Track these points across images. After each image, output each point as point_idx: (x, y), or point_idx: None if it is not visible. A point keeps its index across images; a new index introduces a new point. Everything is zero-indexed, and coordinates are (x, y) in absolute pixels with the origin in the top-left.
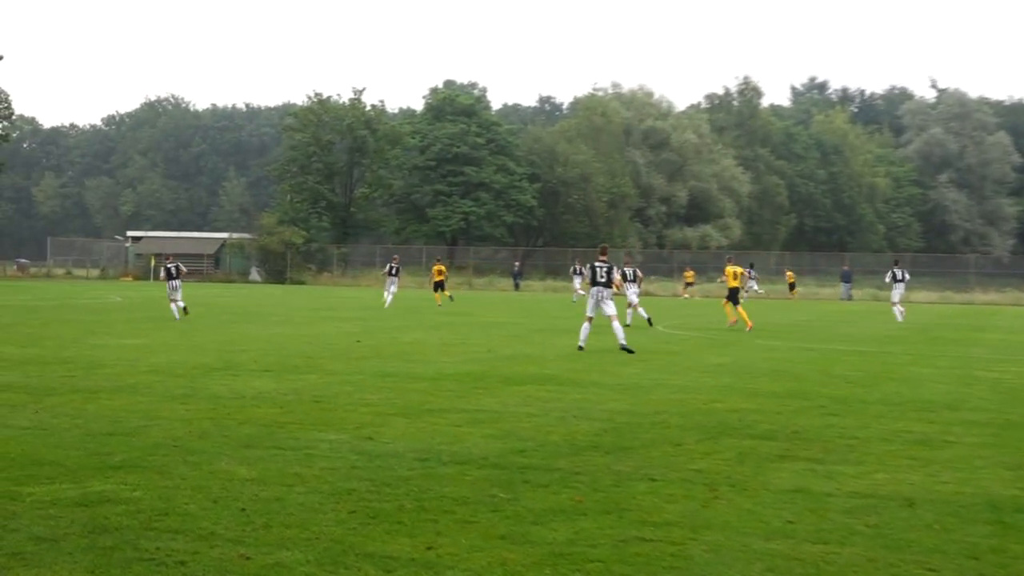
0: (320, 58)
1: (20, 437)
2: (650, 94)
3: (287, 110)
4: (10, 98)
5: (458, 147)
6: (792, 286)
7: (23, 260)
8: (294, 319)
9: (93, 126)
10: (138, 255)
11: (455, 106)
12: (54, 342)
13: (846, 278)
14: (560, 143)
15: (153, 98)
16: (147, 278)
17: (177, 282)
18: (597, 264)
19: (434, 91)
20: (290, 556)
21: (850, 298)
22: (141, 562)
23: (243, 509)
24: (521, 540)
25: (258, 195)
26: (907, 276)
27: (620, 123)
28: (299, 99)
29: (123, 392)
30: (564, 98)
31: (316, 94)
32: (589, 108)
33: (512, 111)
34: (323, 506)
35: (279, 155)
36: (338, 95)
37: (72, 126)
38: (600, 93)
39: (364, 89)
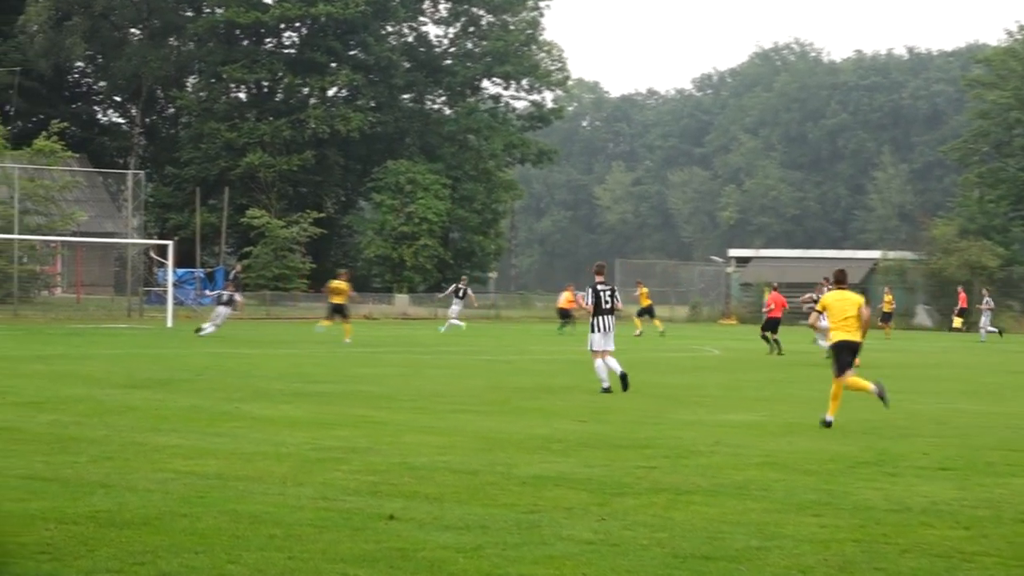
0: None
1: (581, 555)
2: None
3: (973, 55)
4: (565, 56)
5: None
6: (887, 316)
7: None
8: (989, 388)
9: (680, 92)
10: (744, 285)
11: None
12: (624, 415)
13: None
14: None
15: (768, 47)
16: (757, 321)
17: (463, 303)
18: (600, 287)
19: None
20: None
21: None
22: None
23: None
24: None
25: (927, 191)
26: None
27: None
28: (993, 38)
29: (725, 494)
30: None
31: (1021, 28)
32: None
33: None
34: None
35: (961, 127)
36: None
37: (650, 93)
38: None
39: None
